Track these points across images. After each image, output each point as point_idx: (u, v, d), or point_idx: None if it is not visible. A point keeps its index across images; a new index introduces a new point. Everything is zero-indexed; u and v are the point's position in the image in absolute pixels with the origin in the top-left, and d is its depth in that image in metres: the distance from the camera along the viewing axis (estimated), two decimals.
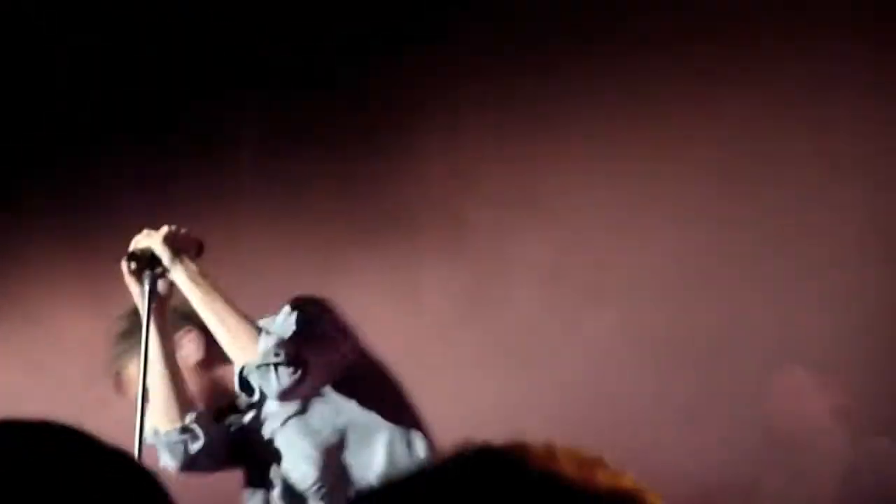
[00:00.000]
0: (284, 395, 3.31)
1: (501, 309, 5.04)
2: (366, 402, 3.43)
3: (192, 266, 3.37)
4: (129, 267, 3.39)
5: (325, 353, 3.35)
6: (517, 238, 5.07)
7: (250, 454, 3.54)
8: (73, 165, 5.26)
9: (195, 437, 3.48)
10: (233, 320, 3.32)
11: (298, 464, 3.44)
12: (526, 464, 1.04)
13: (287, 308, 3.44)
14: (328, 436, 3.42)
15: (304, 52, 5.31)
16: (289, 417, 3.44)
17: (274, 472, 3.49)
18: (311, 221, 5.04)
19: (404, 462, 3.36)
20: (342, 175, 5.15)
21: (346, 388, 3.40)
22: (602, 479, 1.03)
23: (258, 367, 3.25)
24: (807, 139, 4.82)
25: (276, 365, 3.24)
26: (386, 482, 1.08)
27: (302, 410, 3.42)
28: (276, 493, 3.48)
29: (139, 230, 3.42)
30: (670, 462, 4.64)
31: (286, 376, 3.24)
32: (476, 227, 5.12)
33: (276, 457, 3.47)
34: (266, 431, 3.49)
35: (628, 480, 1.04)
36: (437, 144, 5.15)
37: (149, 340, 3.36)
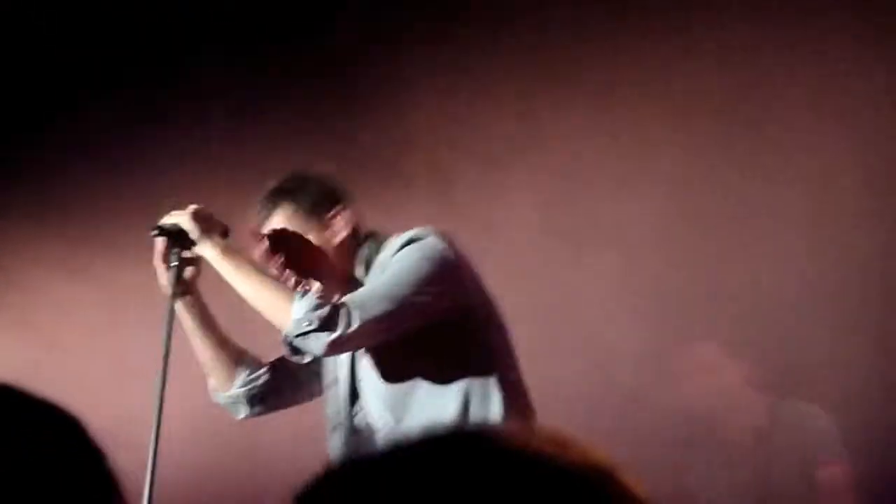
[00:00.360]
0: (332, 352, 3.33)
1: (490, 266, 5.02)
2: (454, 348, 3.42)
3: (222, 241, 3.41)
4: (163, 244, 3.42)
5: (407, 302, 3.30)
6: (505, 196, 5.06)
7: (334, 380, 3.58)
8: (44, 131, 5.20)
9: (242, 405, 3.66)
10: (268, 290, 3.33)
11: (371, 398, 3.47)
12: (497, 440, 1.03)
13: (391, 247, 3.44)
14: (403, 375, 3.42)
15: (279, 3, 5.26)
16: (368, 351, 3.44)
17: (355, 404, 3.52)
18: None
19: (477, 416, 3.34)
20: (325, 133, 5.11)
21: (439, 330, 3.37)
22: (574, 455, 1.02)
23: (296, 336, 3.27)
24: (802, 97, 4.81)
25: (311, 332, 3.25)
26: (357, 458, 1.07)
27: (383, 347, 3.40)
28: (354, 422, 3.52)
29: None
30: (654, 419, 4.66)
31: (324, 337, 3.24)
32: (464, 185, 5.10)
33: (356, 388, 3.51)
34: (351, 361, 3.52)
35: (600, 456, 1.03)
36: (423, 101, 5.12)
37: (172, 318, 3.44)
